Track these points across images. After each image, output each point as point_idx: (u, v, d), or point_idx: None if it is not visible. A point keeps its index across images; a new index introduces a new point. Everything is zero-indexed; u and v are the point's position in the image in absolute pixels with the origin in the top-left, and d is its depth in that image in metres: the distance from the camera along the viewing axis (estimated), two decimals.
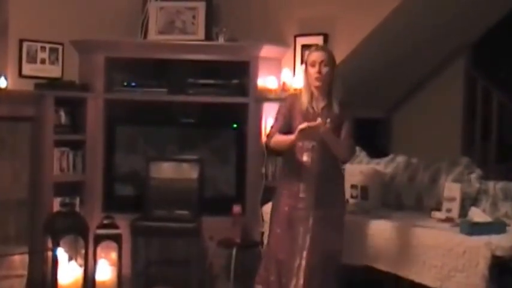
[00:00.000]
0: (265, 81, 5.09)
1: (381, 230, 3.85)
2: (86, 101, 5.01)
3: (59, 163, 4.92)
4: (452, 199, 3.90)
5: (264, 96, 5.04)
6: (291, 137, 3.62)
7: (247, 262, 4.61)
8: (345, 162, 4.10)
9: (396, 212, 4.16)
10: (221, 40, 5.19)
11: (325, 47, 3.81)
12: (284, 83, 5.13)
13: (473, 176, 4.08)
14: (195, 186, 4.88)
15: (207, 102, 5.06)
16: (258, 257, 4.47)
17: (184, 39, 5.21)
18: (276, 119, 3.83)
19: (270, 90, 5.10)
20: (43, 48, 4.99)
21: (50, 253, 4.57)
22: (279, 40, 5.26)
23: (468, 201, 3.92)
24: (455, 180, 4.03)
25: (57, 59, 5.07)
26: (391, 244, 3.76)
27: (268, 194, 4.59)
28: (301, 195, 3.69)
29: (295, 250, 3.64)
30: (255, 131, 5.00)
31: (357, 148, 4.72)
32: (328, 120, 3.60)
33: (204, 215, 4.83)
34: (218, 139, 5.17)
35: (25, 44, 4.89)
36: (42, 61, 5.00)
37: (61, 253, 4.60)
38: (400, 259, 3.70)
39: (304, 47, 5.15)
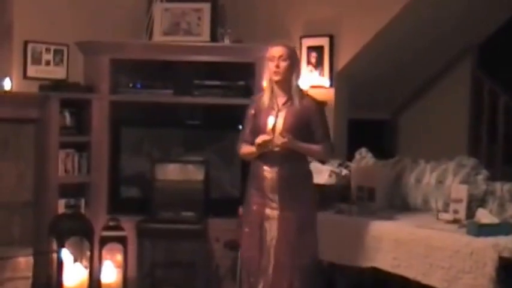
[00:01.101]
0: None
1: (387, 232, 3.82)
2: (91, 102, 5.01)
3: (63, 165, 4.91)
4: (459, 200, 3.88)
5: None
6: (253, 149, 3.65)
7: None
8: (323, 162, 4.03)
9: (403, 214, 4.14)
10: (226, 41, 5.18)
11: (285, 42, 3.75)
12: None
13: (480, 177, 4.06)
14: (201, 188, 4.87)
15: (213, 104, 5.05)
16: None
17: (189, 40, 5.20)
18: (244, 124, 3.83)
19: None
20: (48, 50, 4.99)
21: (55, 255, 4.56)
22: (284, 41, 5.23)
23: (475, 202, 3.89)
24: (462, 182, 4.01)
25: (62, 60, 5.07)
26: (397, 246, 3.74)
27: None
28: (269, 194, 3.68)
29: (264, 249, 3.66)
30: None
31: (365, 149, 4.72)
32: (285, 135, 3.54)
33: (210, 216, 4.82)
34: (224, 140, 5.15)
35: (30, 46, 4.89)
36: (47, 63, 4.99)
37: (66, 255, 4.59)
38: (407, 261, 3.67)
39: (310, 48, 5.16)
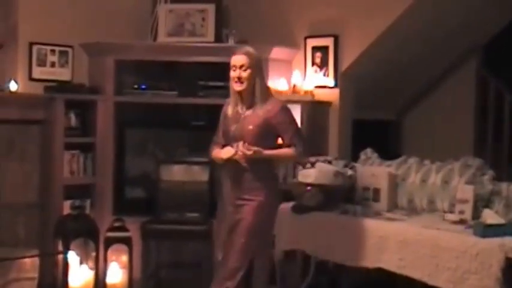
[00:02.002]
0: (276, 83, 5.07)
1: (393, 232, 3.81)
2: (96, 103, 5.02)
3: (69, 166, 4.93)
4: (465, 201, 3.87)
5: None
6: (220, 155, 3.63)
7: None
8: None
9: (408, 214, 4.13)
10: (231, 42, 5.18)
11: (247, 50, 3.65)
12: (294, 85, 5.12)
13: (485, 177, 4.04)
14: (206, 189, 4.87)
15: (217, 105, 5.03)
16: (270, 260, 4.46)
17: (193, 41, 5.20)
18: (218, 126, 3.80)
19: (280, 92, 5.08)
20: (53, 51, 5.00)
21: (60, 256, 4.57)
22: (289, 42, 5.24)
23: (481, 202, 3.88)
24: (468, 182, 4.00)
25: (66, 62, 5.08)
26: (403, 246, 3.73)
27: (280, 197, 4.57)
28: (228, 195, 3.68)
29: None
30: None
31: (370, 150, 4.71)
32: (249, 147, 3.48)
33: (215, 217, 4.81)
34: None
35: (35, 48, 4.90)
36: (52, 64, 5.01)
37: (72, 256, 4.60)
38: (413, 261, 3.67)
39: (315, 48, 5.16)
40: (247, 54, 3.62)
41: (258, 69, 3.63)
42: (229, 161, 3.58)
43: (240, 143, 3.54)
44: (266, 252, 3.76)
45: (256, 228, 3.60)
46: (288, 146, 3.63)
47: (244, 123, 3.60)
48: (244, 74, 3.58)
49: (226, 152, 3.60)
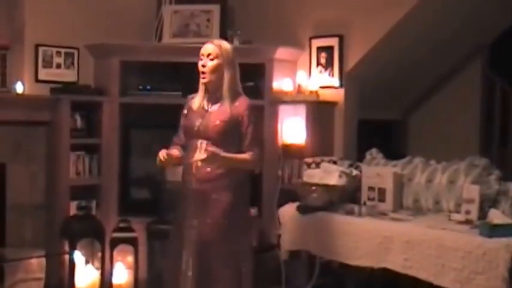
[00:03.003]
0: (281, 83, 5.07)
1: (398, 233, 3.81)
2: (102, 104, 5.03)
3: (75, 167, 4.93)
4: (471, 201, 3.86)
5: (279, 99, 5.03)
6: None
7: (264, 265, 4.59)
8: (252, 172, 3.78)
9: (414, 214, 4.12)
10: (236, 43, 5.18)
11: (218, 41, 3.54)
12: (299, 85, 5.12)
13: (492, 177, 4.03)
14: None
15: None
16: (275, 260, 4.47)
17: (198, 42, 5.16)
18: (179, 125, 3.65)
19: (285, 93, 5.09)
20: (58, 53, 5.02)
21: (66, 256, 4.58)
22: (294, 42, 5.24)
23: (487, 202, 3.87)
24: (474, 182, 3.99)
25: (72, 63, 5.09)
26: (409, 247, 3.73)
27: (285, 197, 4.58)
28: (188, 195, 3.52)
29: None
30: (271, 134, 4.98)
31: (375, 150, 4.70)
32: (205, 145, 3.32)
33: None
34: None
35: (41, 49, 4.91)
36: (58, 66, 5.02)
37: (78, 256, 4.61)
38: (418, 262, 3.66)
39: (320, 48, 5.15)
40: (216, 44, 3.50)
41: (228, 62, 3.45)
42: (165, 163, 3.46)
43: (201, 142, 3.37)
44: (249, 258, 3.55)
45: (233, 231, 3.42)
46: (244, 151, 3.44)
47: (209, 118, 3.44)
48: (210, 64, 3.43)
49: (162, 153, 3.46)
